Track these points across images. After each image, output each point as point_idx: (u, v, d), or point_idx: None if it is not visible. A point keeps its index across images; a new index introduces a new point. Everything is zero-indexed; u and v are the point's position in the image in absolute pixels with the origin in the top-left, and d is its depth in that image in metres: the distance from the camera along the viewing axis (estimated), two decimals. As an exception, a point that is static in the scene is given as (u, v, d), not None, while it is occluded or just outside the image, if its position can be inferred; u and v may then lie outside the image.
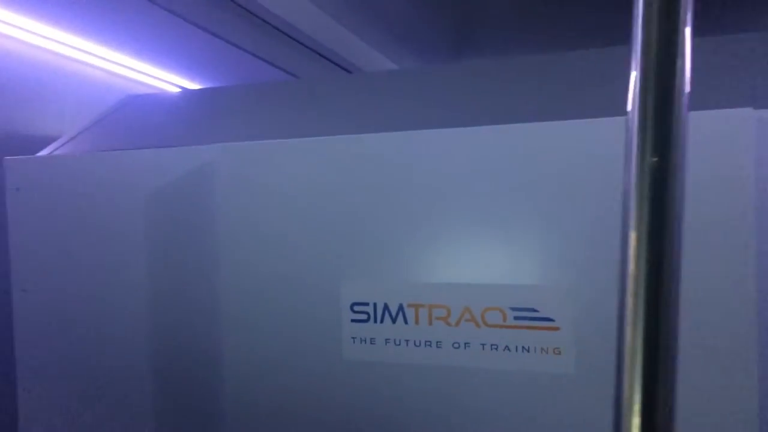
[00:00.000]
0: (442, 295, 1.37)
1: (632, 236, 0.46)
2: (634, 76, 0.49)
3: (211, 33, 2.85)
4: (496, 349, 1.33)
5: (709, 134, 1.17)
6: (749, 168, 1.15)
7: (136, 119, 2.10)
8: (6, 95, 2.15)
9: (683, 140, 0.48)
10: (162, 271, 1.67)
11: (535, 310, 1.30)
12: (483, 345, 1.34)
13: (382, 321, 1.42)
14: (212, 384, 1.58)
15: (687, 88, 0.49)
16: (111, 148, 1.88)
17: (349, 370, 1.45)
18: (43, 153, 1.94)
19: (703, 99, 1.28)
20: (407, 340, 1.40)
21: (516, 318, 1.31)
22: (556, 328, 1.28)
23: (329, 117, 1.80)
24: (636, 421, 0.46)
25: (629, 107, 0.49)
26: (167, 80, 2.94)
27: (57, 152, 1.95)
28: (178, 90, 3.00)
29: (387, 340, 1.41)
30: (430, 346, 1.38)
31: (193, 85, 3.12)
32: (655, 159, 0.47)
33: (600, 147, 1.26)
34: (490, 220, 1.34)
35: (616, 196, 1.21)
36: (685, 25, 0.48)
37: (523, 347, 1.31)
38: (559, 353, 1.28)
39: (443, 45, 4.81)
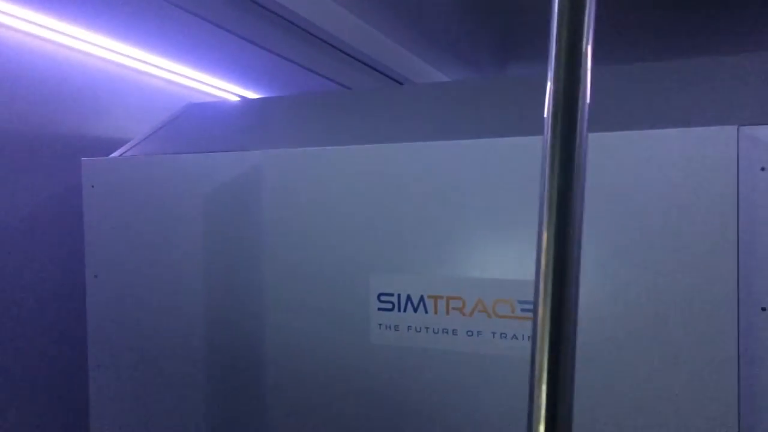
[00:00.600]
0: (458, 287, 1.54)
1: (544, 236, 0.62)
2: (548, 98, 0.63)
3: (268, 50, 3.09)
4: (505, 337, 1.49)
5: (694, 150, 1.30)
6: (732, 182, 1.28)
7: (196, 125, 2.33)
8: (81, 103, 2.42)
9: (584, 159, 0.62)
10: (216, 262, 1.89)
11: (539, 303, 1.45)
12: (493, 333, 1.50)
13: (405, 310, 1.60)
14: (258, 361, 1.79)
15: (587, 99, 0.62)
16: (174, 151, 2.12)
17: (375, 353, 1.63)
18: (114, 155, 2.20)
19: (689, 117, 1.41)
20: (427, 328, 1.57)
21: (523, 310, 1.47)
22: (558, 320, 1.43)
23: (380, 126, 1.99)
24: (545, 371, 0.62)
25: (545, 128, 0.64)
26: (228, 90, 3.20)
27: (126, 154, 2.20)
28: (236, 99, 3.25)
29: (409, 327, 1.59)
30: (447, 333, 1.55)
31: (251, 95, 3.37)
32: (561, 174, 0.62)
33: (603, 158, 1.41)
34: (503, 223, 1.50)
35: (608, 205, 1.37)
36: (586, 62, 0.62)
37: (528, 336, 1.47)
38: (560, 342, 1.43)
39: (491, 57, 4.95)
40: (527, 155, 1.48)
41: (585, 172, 0.61)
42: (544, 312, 0.59)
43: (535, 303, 0.60)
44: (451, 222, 1.55)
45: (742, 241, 1.29)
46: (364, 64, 3.68)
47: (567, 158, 0.60)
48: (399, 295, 1.61)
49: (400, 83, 4.31)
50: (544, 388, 0.59)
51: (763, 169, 1.29)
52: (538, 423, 0.59)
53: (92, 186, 2.11)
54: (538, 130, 1.52)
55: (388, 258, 1.61)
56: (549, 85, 0.62)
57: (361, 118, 2.09)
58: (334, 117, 2.13)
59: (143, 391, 2.01)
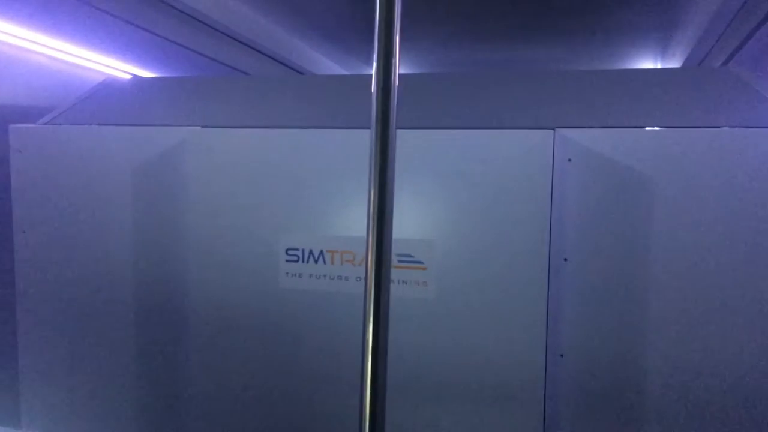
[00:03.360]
0: (350, 244, 1.96)
1: (370, 235, 1.03)
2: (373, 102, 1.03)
3: (167, 39, 3.34)
4: (385, 282, 1.94)
5: (521, 146, 1.80)
6: (548, 169, 1.79)
7: (113, 99, 2.58)
8: None
9: (393, 149, 1.03)
10: (139, 220, 2.19)
11: (411, 256, 1.91)
12: (376, 279, 1.94)
13: (307, 261, 2.00)
14: (181, 301, 2.14)
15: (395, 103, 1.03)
16: (92, 122, 2.37)
17: (283, 296, 2.03)
18: (39, 123, 2.41)
19: (518, 118, 1.91)
20: (324, 275, 1.99)
21: (399, 261, 1.92)
22: (425, 268, 1.90)
23: (279, 110, 2.35)
24: (370, 321, 1.03)
25: (370, 140, 1.04)
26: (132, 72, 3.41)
27: (49, 124, 2.42)
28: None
29: (311, 275, 2.00)
30: (341, 279, 1.98)
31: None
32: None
33: (447, 151, 1.87)
34: (386, 193, 1.93)
35: (450, 190, 1.82)
36: (395, 79, 1.02)
37: (403, 281, 1.93)
38: (426, 285, 1.90)
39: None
40: (407, 143, 1.92)
41: (394, 159, 1.03)
42: (371, 282, 1.00)
43: (366, 279, 1.01)
44: (345, 194, 1.97)
45: (553, 210, 1.80)
46: (264, 54, 4.00)
47: (383, 149, 1.02)
48: (303, 250, 2.01)
49: (301, 73, 4.67)
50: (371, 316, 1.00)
51: (569, 160, 1.81)
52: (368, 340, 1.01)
53: (19, 151, 2.33)
54: (404, 123, 1.96)
55: (295, 220, 2.01)
56: (372, 89, 1.01)
57: (263, 102, 2.44)
58: (239, 99, 2.47)
59: (68, 331, 2.29)
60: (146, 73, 3.49)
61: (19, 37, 2.65)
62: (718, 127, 1.75)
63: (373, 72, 1.03)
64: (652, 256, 1.80)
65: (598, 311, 1.84)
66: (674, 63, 4.27)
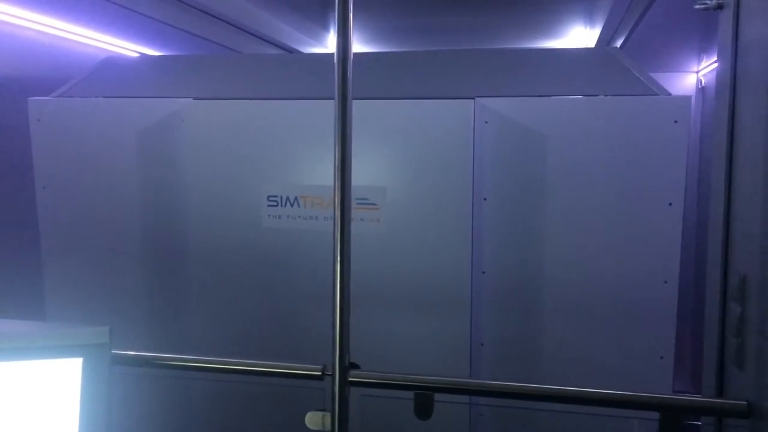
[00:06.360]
0: (319, 191, 2.49)
1: (336, 182, 1.56)
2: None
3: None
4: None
5: (447, 113, 2.33)
6: (469, 131, 2.32)
7: (116, 74, 3.02)
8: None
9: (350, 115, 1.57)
10: (145, 174, 2.68)
11: (367, 199, 2.44)
12: (340, 218, 2.47)
13: (285, 205, 2.52)
14: (182, 239, 2.64)
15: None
16: (98, 94, 2.82)
17: (265, 233, 2.55)
18: (52, 95, 2.85)
19: (445, 91, 2.44)
20: (299, 216, 2.52)
21: (358, 203, 2.45)
22: (378, 209, 2.44)
23: (266, 84, 2.84)
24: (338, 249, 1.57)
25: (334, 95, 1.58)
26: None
27: (62, 96, 2.87)
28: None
29: (288, 216, 2.52)
30: (312, 219, 2.51)
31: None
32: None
33: (392, 117, 2.39)
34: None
35: (414, 148, 2.35)
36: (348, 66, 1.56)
37: (361, 219, 2.46)
38: (379, 221, 2.44)
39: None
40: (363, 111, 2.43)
41: (351, 121, 1.55)
42: (338, 199, 1.54)
43: (334, 195, 1.54)
44: (314, 151, 2.48)
45: (474, 161, 2.35)
46: (254, 35, 4.46)
47: (343, 115, 1.55)
48: (281, 196, 2.53)
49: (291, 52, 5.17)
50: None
51: (486, 122, 2.35)
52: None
53: (38, 120, 2.78)
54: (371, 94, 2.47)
55: (275, 172, 2.52)
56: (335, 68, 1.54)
57: (251, 76, 2.93)
58: (232, 74, 2.95)
59: (90, 271, 2.79)
60: (144, 51, 3.92)
61: (31, 20, 3.09)
62: (597, 95, 2.31)
63: (335, 51, 1.54)
64: (549, 195, 2.37)
65: (510, 238, 2.41)
66: (594, 33, 4.82)
